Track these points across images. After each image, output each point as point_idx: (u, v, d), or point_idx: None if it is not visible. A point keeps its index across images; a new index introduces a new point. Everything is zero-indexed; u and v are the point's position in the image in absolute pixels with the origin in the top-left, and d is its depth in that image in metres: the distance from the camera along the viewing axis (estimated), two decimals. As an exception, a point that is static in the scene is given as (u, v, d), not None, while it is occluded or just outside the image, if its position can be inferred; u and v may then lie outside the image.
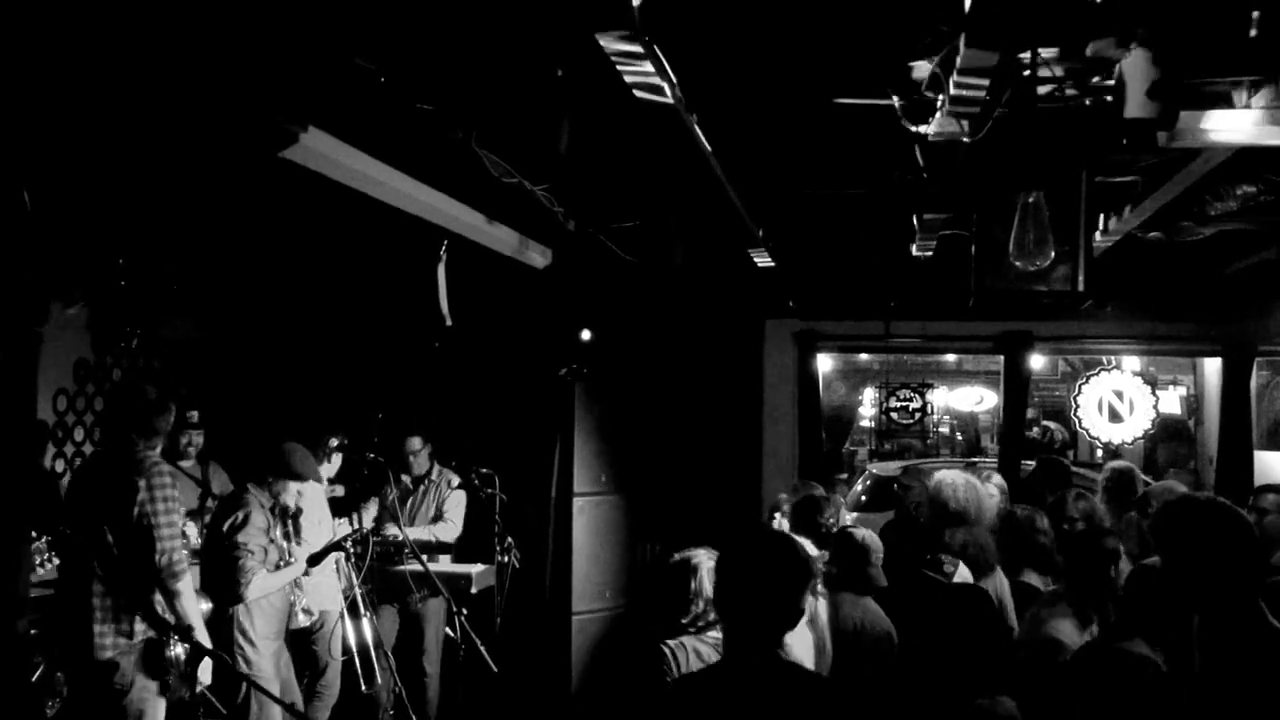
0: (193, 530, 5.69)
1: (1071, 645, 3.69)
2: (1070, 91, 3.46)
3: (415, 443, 6.85)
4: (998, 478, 6.02)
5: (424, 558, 5.92)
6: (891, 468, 12.83)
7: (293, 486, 5.40)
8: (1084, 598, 3.98)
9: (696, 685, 2.76)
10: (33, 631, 5.22)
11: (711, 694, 2.61)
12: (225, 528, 5.15)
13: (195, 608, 4.57)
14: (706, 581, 3.55)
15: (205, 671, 4.65)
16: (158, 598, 4.50)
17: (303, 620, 5.67)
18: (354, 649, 5.89)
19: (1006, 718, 3.13)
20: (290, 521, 5.61)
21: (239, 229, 5.89)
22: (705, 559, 3.63)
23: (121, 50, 3.39)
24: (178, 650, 4.50)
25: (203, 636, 4.52)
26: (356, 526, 5.99)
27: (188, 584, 4.51)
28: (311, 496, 5.98)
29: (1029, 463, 8.73)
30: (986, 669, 3.35)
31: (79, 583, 4.51)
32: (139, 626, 4.45)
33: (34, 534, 5.44)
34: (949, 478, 4.93)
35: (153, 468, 4.49)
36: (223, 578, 5.08)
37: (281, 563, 5.33)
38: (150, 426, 4.61)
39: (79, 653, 4.46)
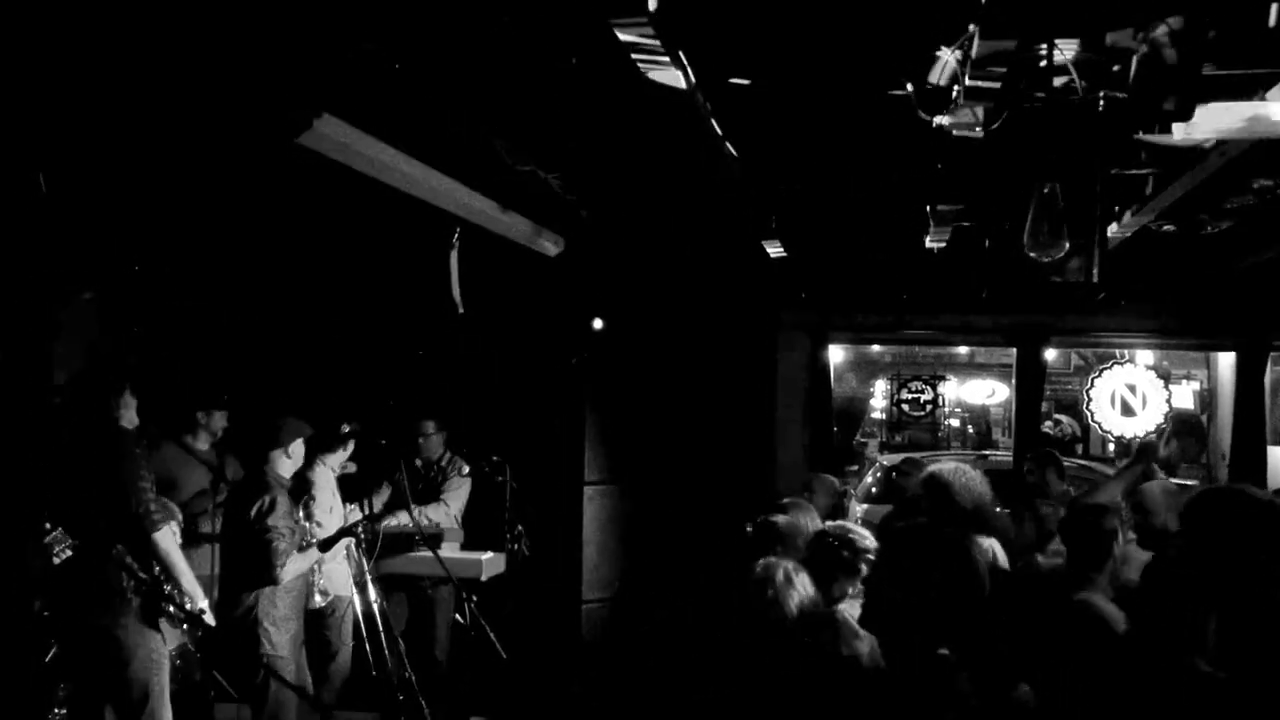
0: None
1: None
2: (1086, 83, 3.44)
3: (429, 426, 6.87)
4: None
5: (434, 547, 5.95)
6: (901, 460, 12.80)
7: (299, 449, 5.46)
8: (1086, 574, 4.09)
9: None
10: (45, 614, 5.27)
11: None
12: (253, 514, 5.18)
13: (179, 557, 4.75)
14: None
15: (209, 614, 4.85)
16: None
17: (319, 601, 5.72)
18: (364, 633, 5.93)
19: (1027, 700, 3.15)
20: (302, 508, 5.65)
21: (254, 216, 5.91)
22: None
23: (139, 36, 3.40)
24: (175, 605, 4.63)
25: (192, 584, 4.77)
26: (367, 512, 6.00)
27: (167, 534, 4.71)
28: (322, 483, 6.00)
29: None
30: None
31: (66, 563, 4.65)
32: (129, 584, 4.57)
33: (49, 523, 5.51)
34: (950, 468, 4.86)
35: (116, 434, 4.76)
36: (256, 562, 5.12)
37: (303, 543, 5.38)
38: (114, 401, 4.87)
39: (77, 621, 4.60)
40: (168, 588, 4.74)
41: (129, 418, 4.94)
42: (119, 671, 4.56)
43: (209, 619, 4.81)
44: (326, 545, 5.45)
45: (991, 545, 4.11)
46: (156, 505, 4.72)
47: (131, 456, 4.73)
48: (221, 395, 6.66)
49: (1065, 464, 7.42)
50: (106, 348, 7.10)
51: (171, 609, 4.70)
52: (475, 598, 5.78)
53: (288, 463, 5.45)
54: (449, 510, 6.75)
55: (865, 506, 10.96)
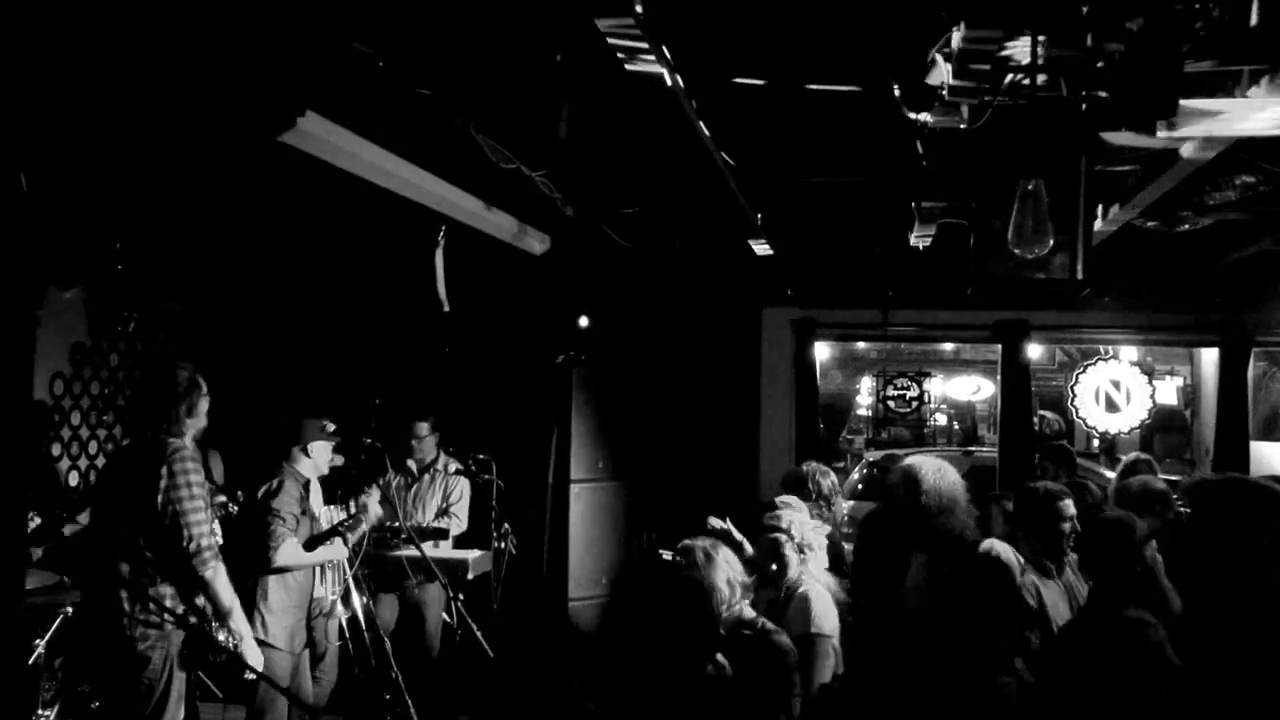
0: (218, 528, 5.58)
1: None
2: (1069, 81, 3.45)
3: (423, 428, 6.80)
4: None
5: (421, 544, 5.93)
6: (883, 456, 12.84)
7: (320, 450, 5.51)
8: (1040, 551, 4.42)
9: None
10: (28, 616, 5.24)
11: None
12: (260, 494, 5.23)
13: (230, 594, 4.44)
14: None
15: (255, 659, 4.52)
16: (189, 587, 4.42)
17: (342, 613, 5.71)
18: (348, 635, 5.92)
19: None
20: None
21: (237, 214, 5.89)
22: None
23: (120, 33, 3.38)
24: (221, 635, 4.38)
25: (240, 622, 4.47)
26: (354, 512, 5.98)
27: (219, 571, 4.38)
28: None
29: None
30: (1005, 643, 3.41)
31: (104, 577, 4.42)
32: (167, 616, 4.28)
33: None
34: (928, 464, 4.95)
35: (174, 454, 4.34)
36: (255, 544, 5.11)
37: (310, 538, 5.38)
38: (176, 417, 4.45)
39: (109, 646, 4.31)
40: (216, 624, 4.45)
41: (197, 426, 4.59)
42: (145, 693, 4.34)
43: (253, 659, 4.51)
44: (313, 544, 5.44)
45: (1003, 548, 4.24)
46: (209, 542, 4.35)
47: (183, 483, 4.31)
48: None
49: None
50: (92, 347, 7.08)
51: (213, 655, 4.46)
52: (462, 596, 5.77)
53: (307, 462, 5.51)
54: (460, 522, 6.73)
55: (851, 503, 10.98)
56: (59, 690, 5.34)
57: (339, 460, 6.30)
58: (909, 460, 4.64)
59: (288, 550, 5.18)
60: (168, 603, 4.32)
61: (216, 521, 4.98)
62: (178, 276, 7.05)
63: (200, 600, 4.42)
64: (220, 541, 4.87)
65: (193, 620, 4.36)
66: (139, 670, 4.27)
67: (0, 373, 4.36)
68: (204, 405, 4.58)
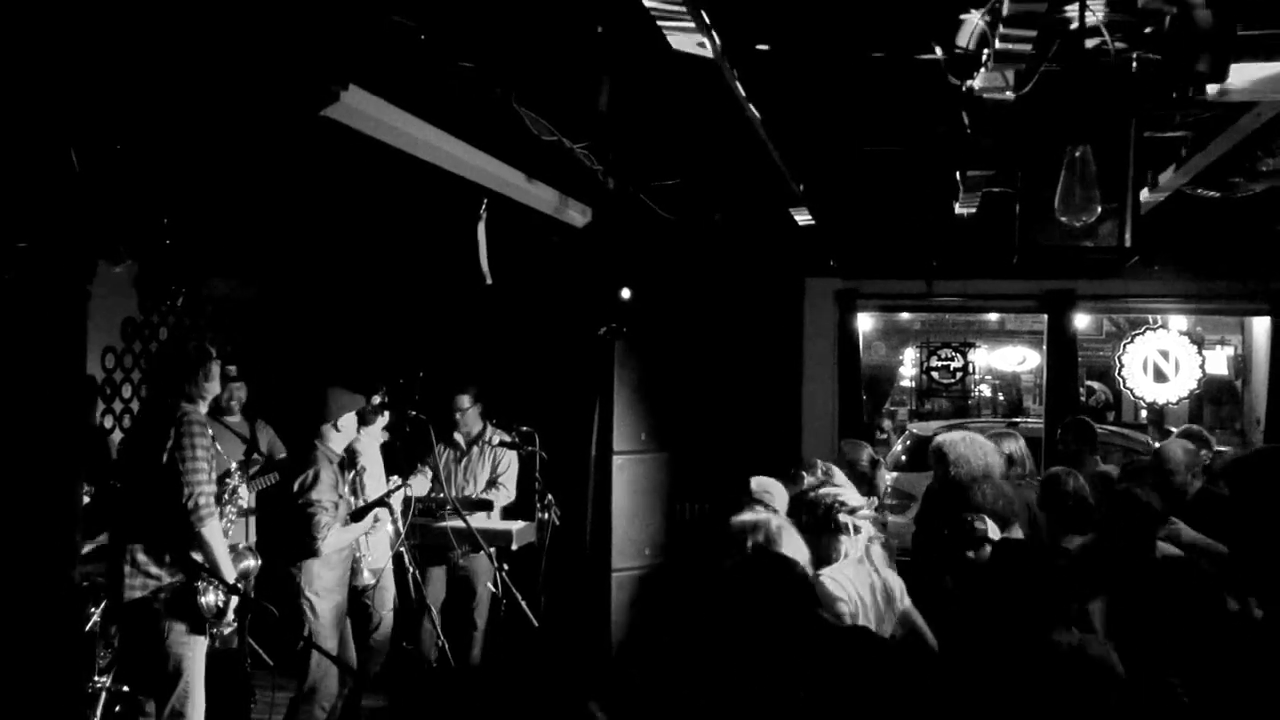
0: (245, 492, 5.70)
1: None
2: (1119, 44, 3.39)
3: (464, 401, 6.89)
4: (1021, 440, 5.99)
5: (466, 514, 5.99)
6: (932, 428, 12.74)
7: (349, 422, 5.52)
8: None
9: None
10: (84, 584, 5.36)
11: None
12: (296, 487, 5.29)
13: (223, 551, 4.68)
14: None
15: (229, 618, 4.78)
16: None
17: (368, 579, 5.78)
18: (398, 605, 6.01)
19: (1099, 657, 3.14)
20: (355, 477, 5.72)
21: (282, 188, 5.94)
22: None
23: (165, 8, 3.41)
24: (209, 597, 4.59)
25: (228, 577, 4.65)
26: (400, 484, 6.05)
27: (213, 528, 4.63)
28: (369, 454, 6.06)
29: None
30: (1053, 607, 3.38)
31: (117, 529, 4.72)
32: (167, 570, 4.58)
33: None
34: (955, 438, 4.92)
35: (183, 418, 4.65)
36: (297, 534, 5.20)
37: (349, 517, 5.46)
38: (189, 384, 4.76)
39: (113, 596, 4.68)
40: (205, 584, 4.63)
41: (213, 390, 4.91)
42: (156, 645, 4.58)
43: (227, 626, 4.79)
44: (359, 515, 5.51)
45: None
46: (206, 499, 4.59)
47: (187, 444, 4.60)
48: (231, 367, 6.69)
49: (1099, 430, 7.39)
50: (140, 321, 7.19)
51: (209, 598, 4.63)
52: (507, 566, 5.83)
53: (337, 436, 5.54)
54: (508, 492, 6.82)
55: (895, 475, 10.95)
56: (115, 657, 5.45)
57: (384, 436, 6.38)
58: (937, 439, 4.62)
59: (334, 538, 5.32)
60: (166, 565, 4.59)
61: (245, 486, 5.35)
62: (225, 251, 7.12)
63: (198, 557, 4.61)
64: (247, 504, 5.07)
65: (183, 576, 4.59)
66: (147, 621, 4.55)
67: (55, 346, 4.46)
68: (215, 369, 4.87)
